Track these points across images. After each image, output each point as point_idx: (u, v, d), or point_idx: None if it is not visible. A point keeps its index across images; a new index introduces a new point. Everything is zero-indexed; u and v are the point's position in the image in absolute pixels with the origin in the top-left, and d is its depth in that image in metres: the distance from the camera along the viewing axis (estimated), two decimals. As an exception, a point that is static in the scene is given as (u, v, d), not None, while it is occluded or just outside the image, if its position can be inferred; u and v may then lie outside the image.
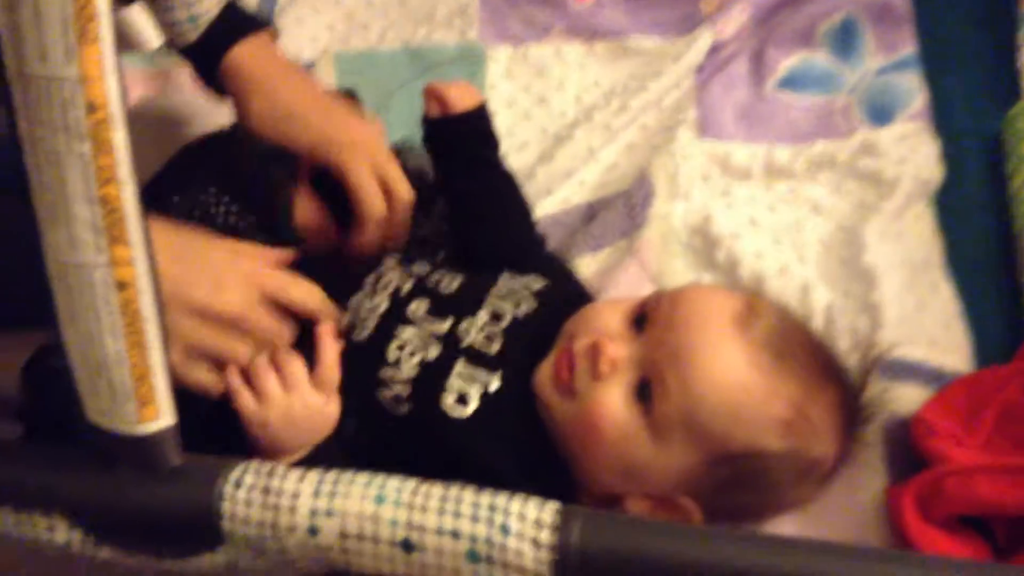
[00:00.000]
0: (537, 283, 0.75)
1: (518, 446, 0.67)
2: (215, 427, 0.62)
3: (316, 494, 0.48)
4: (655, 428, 0.64)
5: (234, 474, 0.49)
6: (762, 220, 0.87)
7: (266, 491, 0.49)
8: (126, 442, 0.48)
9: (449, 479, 0.63)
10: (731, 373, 0.63)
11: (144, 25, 0.53)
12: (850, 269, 0.83)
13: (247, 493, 0.49)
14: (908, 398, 0.73)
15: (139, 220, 0.45)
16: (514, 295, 0.73)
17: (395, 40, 1.07)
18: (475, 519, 0.47)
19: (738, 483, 0.65)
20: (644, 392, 0.65)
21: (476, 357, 0.68)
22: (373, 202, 0.75)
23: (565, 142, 0.96)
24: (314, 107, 0.76)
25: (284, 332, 0.64)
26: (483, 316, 0.71)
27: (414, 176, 0.79)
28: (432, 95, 0.79)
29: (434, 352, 0.68)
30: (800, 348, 0.66)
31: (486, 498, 0.48)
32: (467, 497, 0.48)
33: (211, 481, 0.49)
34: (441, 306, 0.71)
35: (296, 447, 0.64)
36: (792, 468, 0.65)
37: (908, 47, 0.96)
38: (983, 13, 0.98)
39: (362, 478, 0.49)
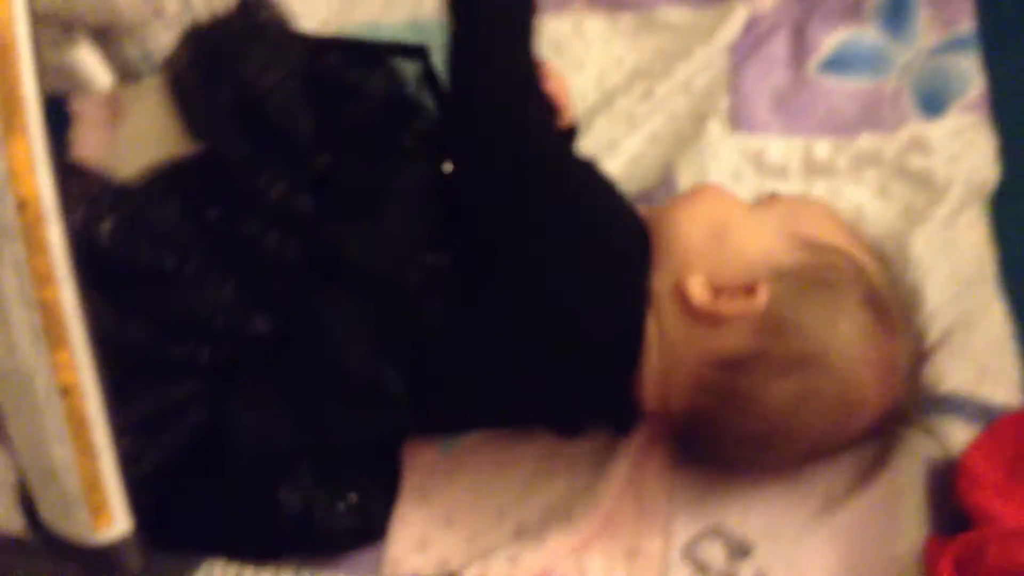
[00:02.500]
0: None
1: None
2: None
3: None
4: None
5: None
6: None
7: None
8: (82, 550, 0.44)
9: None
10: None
11: (94, 64, 0.47)
12: (894, 285, 0.76)
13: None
14: (954, 437, 0.67)
15: (81, 320, 0.40)
16: None
17: (400, 12, 0.99)
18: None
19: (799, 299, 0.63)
20: None
21: None
22: None
23: (584, 132, 0.89)
24: None
25: None
26: None
27: None
28: None
29: None
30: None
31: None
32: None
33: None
34: None
35: None
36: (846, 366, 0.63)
37: (967, 23, 0.87)
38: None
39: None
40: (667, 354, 0.65)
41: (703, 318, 0.64)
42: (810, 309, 0.63)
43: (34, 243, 0.38)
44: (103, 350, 0.41)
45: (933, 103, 0.85)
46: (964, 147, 0.81)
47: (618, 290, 0.66)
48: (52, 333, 0.39)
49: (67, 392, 0.41)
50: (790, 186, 0.83)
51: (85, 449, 0.42)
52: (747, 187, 0.84)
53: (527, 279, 0.64)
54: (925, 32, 0.88)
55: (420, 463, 0.73)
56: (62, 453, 0.42)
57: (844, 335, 0.63)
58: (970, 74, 0.85)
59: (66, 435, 0.41)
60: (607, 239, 0.67)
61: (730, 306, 0.63)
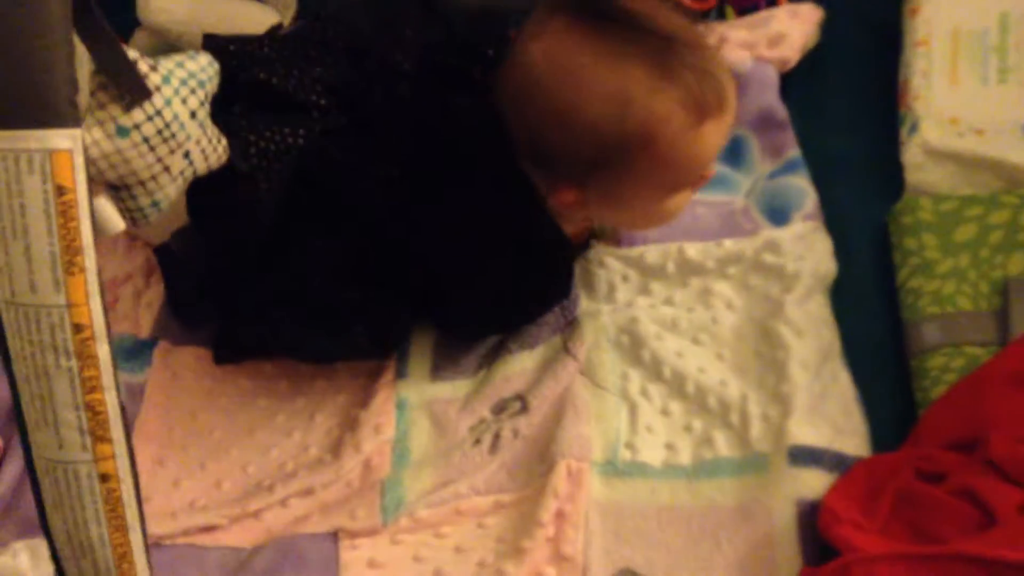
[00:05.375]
0: None
1: None
2: None
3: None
4: None
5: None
6: (681, 321, 0.95)
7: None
8: (113, 615, 0.52)
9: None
10: None
11: (110, 212, 0.58)
12: (763, 361, 0.91)
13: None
14: (816, 483, 0.81)
15: (120, 418, 0.50)
16: None
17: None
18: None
19: None
20: None
21: None
22: None
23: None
24: None
25: None
26: None
27: None
28: None
29: None
30: None
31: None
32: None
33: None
34: None
35: None
36: None
37: (793, 150, 1.04)
38: (865, 112, 1.08)
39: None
40: None
41: None
42: None
43: (86, 358, 0.48)
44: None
45: (778, 215, 1.01)
46: (806, 248, 0.97)
47: None
48: (97, 430, 0.49)
49: (106, 478, 0.50)
50: (669, 283, 0.98)
51: (119, 526, 0.51)
52: (634, 286, 0.98)
53: None
54: (759, 162, 1.05)
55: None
56: (98, 531, 0.51)
57: None
58: (805, 190, 1.01)
59: (103, 515, 0.50)
60: None
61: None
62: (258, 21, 0.92)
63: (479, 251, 0.88)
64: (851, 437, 0.86)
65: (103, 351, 0.48)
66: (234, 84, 0.78)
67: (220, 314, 0.94)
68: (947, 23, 1.03)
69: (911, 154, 1.00)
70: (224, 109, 0.76)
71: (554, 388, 0.92)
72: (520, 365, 0.94)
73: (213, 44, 0.83)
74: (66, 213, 0.45)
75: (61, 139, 0.45)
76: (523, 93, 0.81)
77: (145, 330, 0.99)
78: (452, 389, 0.95)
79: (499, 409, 0.93)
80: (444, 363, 0.96)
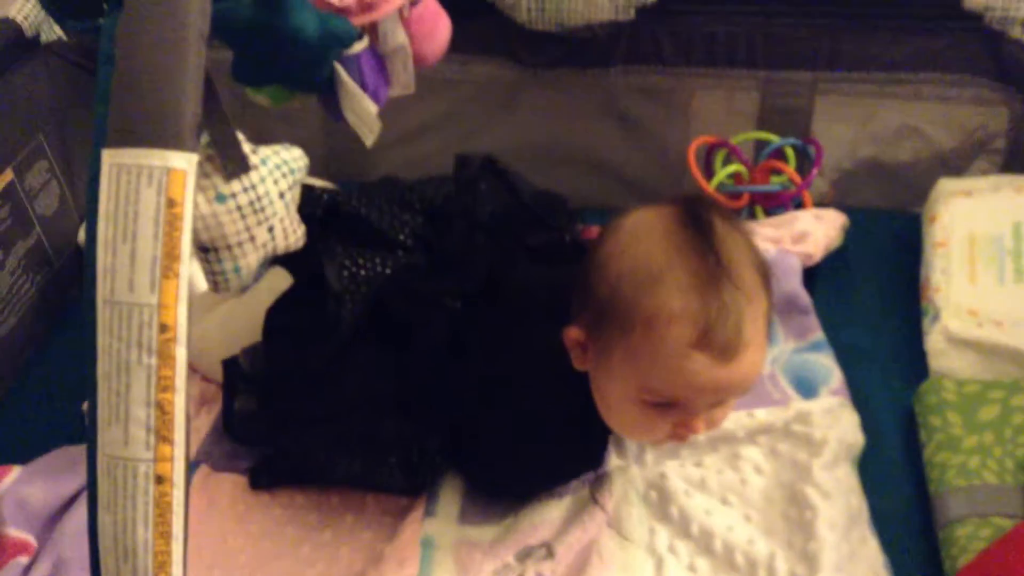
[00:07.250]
0: None
1: None
2: None
3: None
4: None
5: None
6: (711, 481, 0.97)
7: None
8: (143, 625, 0.53)
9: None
10: None
11: (196, 272, 0.64)
12: (791, 523, 0.91)
13: None
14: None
15: (184, 423, 0.54)
16: None
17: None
18: None
19: None
20: None
21: None
22: None
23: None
24: None
25: None
26: None
27: None
28: None
29: None
30: None
31: None
32: None
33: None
34: None
35: None
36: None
37: (817, 333, 1.10)
38: (888, 308, 1.14)
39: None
40: None
41: None
42: None
43: (165, 357, 0.53)
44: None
45: (805, 387, 1.05)
46: (834, 420, 1.01)
47: None
48: (163, 430, 0.53)
49: (161, 480, 0.53)
50: (700, 449, 1.00)
51: (164, 532, 0.53)
52: (664, 450, 1.01)
53: None
54: (784, 340, 1.10)
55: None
56: (144, 535, 0.53)
57: None
58: (830, 368, 1.06)
59: (151, 518, 0.53)
60: None
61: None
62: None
63: (515, 409, 0.92)
64: (880, 598, 0.85)
65: (180, 354, 0.53)
66: (335, 216, 0.87)
67: (268, 431, 0.98)
68: (964, 228, 1.12)
69: (933, 341, 1.05)
70: (324, 236, 0.84)
71: (581, 537, 0.92)
72: (548, 513, 0.95)
73: (311, 192, 0.94)
74: (172, 223, 0.52)
75: (179, 160, 0.52)
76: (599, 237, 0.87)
77: (189, 454, 1.03)
78: (478, 533, 0.96)
79: (524, 556, 0.93)
80: (472, 508, 0.98)
